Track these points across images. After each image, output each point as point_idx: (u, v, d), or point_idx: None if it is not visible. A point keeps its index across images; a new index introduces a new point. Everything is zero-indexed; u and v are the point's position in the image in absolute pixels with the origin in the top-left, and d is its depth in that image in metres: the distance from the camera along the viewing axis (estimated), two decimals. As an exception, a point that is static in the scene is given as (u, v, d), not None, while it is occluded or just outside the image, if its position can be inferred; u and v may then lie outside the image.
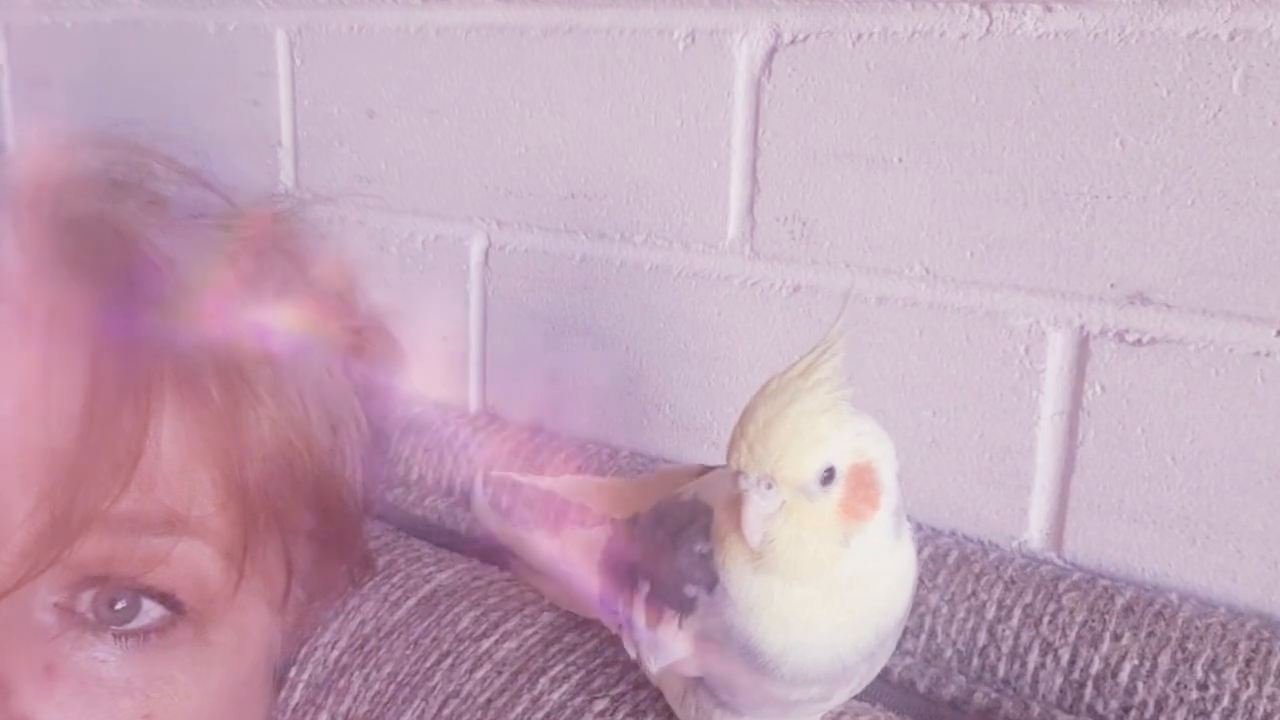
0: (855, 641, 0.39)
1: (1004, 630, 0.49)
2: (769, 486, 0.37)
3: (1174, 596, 0.49)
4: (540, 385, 0.69)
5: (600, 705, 0.45)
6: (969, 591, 0.50)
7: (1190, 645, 0.46)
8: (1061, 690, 0.47)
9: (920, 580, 0.51)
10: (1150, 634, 0.47)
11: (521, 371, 0.70)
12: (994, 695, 0.48)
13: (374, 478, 0.53)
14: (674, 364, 0.63)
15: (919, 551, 0.51)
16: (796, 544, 0.37)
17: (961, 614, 0.50)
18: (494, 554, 0.57)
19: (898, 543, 0.39)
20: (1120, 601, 0.48)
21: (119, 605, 0.41)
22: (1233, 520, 0.49)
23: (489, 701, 0.46)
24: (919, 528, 0.55)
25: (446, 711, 0.47)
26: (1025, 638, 0.48)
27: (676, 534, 0.41)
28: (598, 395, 0.67)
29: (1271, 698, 0.43)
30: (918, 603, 0.50)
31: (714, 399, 0.62)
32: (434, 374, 0.74)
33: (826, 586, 0.38)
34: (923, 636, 0.51)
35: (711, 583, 0.39)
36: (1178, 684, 0.45)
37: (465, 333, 0.72)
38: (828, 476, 0.37)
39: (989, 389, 0.54)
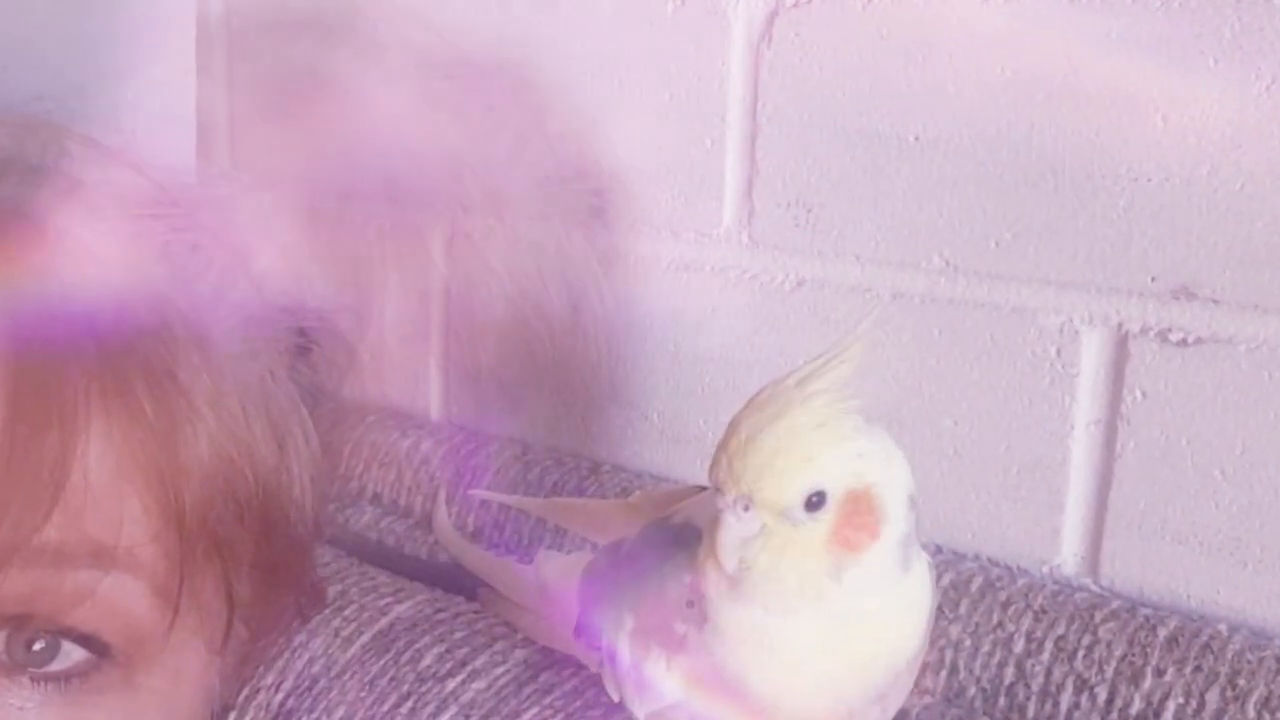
0: (862, 683, 0.39)
1: (1034, 666, 0.50)
2: (746, 508, 0.37)
3: (1223, 627, 0.49)
4: (511, 391, 0.70)
5: (581, 753, 0.46)
6: (995, 622, 0.51)
7: (1241, 682, 0.46)
8: (1098, 733, 0.48)
9: (940, 610, 0.51)
10: (1197, 669, 0.47)
11: (490, 376, 0.71)
12: (1022, 739, 0.48)
13: (324, 498, 0.54)
14: (662, 367, 0.64)
15: (938, 578, 0.52)
16: (775, 574, 0.38)
17: (986, 647, 0.51)
18: (459, 583, 0.57)
19: (906, 576, 0.40)
20: (1163, 633, 0.49)
21: (36, 646, 0.41)
22: (1289, 542, 0.50)
23: (456, 750, 0.47)
24: (938, 551, 0.56)
25: (407, 761, 0.47)
26: (1058, 674, 0.49)
27: (665, 562, 0.42)
28: (576, 402, 0.67)
29: (1331, 740, 0.44)
30: (937, 635, 0.51)
31: (707, 407, 0.62)
32: (391, 379, 0.74)
33: (823, 622, 0.38)
34: (943, 673, 0.51)
35: (703, 618, 0.40)
36: (1227, 725, 0.46)
37: (426, 333, 0.73)
38: (816, 501, 0.37)
39: (1016, 395, 0.55)
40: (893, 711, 0.42)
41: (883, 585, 0.39)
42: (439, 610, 0.54)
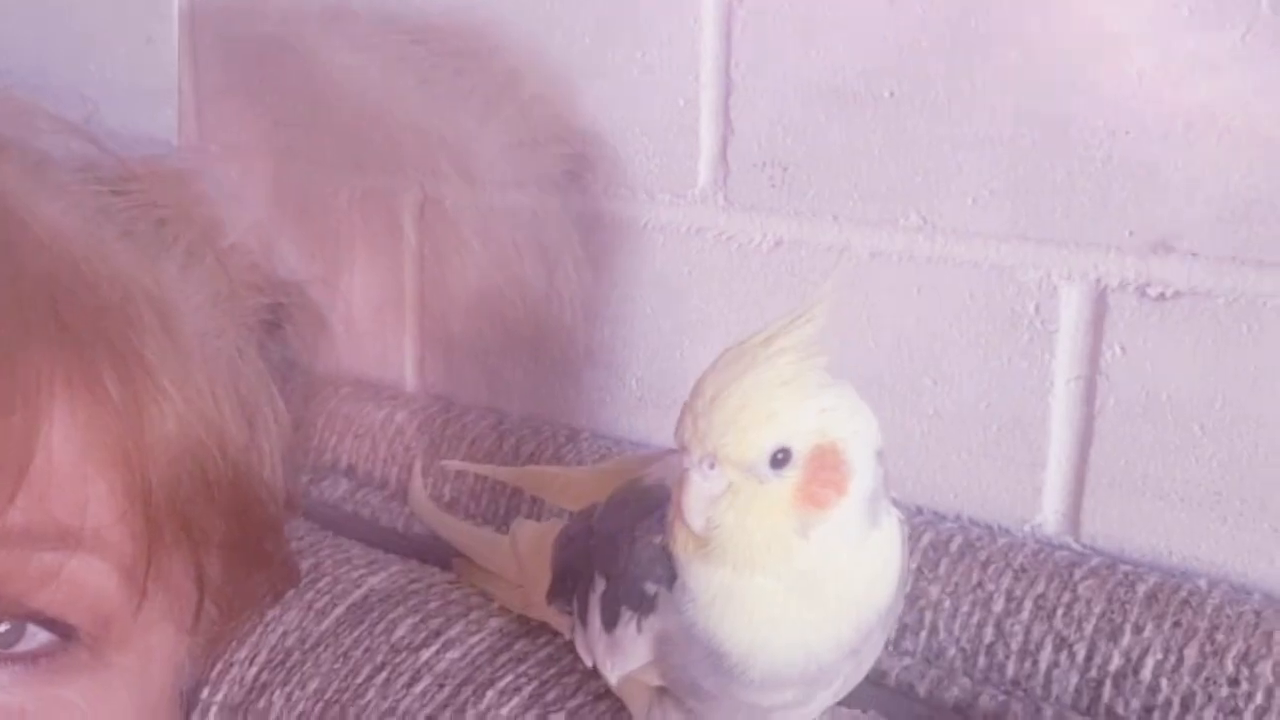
0: (833, 638, 0.40)
1: (1013, 625, 0.51)
2: (711, 466, 0.38)
3: (1203, 583, 0.51)
4: (486, 360, 0.71)
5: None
6: (974, 582, 0.52)
7: (1220, 637, 0.47)
8: (1077, 690, 0.49)
9: (920, 571, 0.52)
10: (1176, 625, 0.48)
11: (464, 345, 0.72)
12: (1002, 698, 0.49)
13: (296, 473, 0.54)
14: (638, 331, 0.65)
15: (918, 538, 0.53)
16: (742, 532, 0.39)
17: (966, 608, 0.52)
18: (434, 554, 0.58)
19: (875, 531, 0.40)
20: (1143, 589, 0.50)
21: (1, 629, 0.42)
22: (1269, 496, 0.51)
23: (430, 718, 0.48)
24: (918, 511, 0.57)
25: (384, 732, 0.48)
26: (1037, 633, 0.50)
27: (635, 524, 0.43)
28: (552, 369, 0.68)
29: (1309, 692, 0.45)
30: (917, 596, 0.52)
31: (685, 371, 0.62)
32: (364, 350, 0.75)
33: (790, 579, 0.39)
34: (923, 634, 0.52)
35: (673, 578, 0.41)
36: (1206, 680, 0.47)
37: (400, 301, 0.73)
38: (781, 458, 0.38)
39: (995, 352, 0.55)
40: (867, 667, 0.44)
41: (851, 541, 0.40)
42: (414, 581, 0.55)
